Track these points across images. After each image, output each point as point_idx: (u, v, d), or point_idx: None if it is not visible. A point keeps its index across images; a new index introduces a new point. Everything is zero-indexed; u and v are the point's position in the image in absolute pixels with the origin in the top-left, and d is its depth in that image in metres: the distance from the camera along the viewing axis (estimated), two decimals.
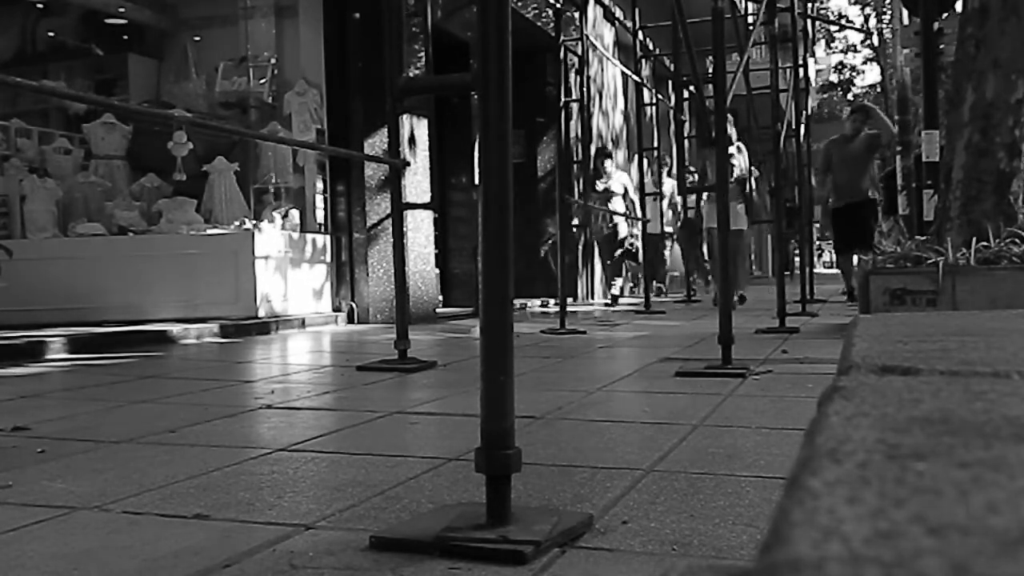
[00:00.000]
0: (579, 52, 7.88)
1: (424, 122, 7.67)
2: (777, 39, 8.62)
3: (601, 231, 10.46)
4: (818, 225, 12.41)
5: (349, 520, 1.72)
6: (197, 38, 8.37)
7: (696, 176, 10.94)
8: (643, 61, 10.48)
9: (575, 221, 9.98)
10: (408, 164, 5.48)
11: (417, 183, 7.44)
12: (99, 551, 1.55)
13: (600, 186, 10.07)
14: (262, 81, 7.74)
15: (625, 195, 10.41)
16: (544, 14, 9.65)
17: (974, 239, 4.91)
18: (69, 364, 4.64)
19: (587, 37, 7.96)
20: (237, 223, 7.06)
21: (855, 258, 9.01)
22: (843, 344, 1.15)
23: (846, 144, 9.49)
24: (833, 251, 10.37)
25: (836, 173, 9.48)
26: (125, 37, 8.68)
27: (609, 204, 10.11)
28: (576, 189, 9.21)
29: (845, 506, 0.40)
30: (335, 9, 7.50)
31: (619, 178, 10.45)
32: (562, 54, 7.49)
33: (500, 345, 1.66)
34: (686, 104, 14.45)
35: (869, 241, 8.29)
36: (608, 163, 10.34)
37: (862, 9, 30.58)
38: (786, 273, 7.17)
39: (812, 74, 17.27)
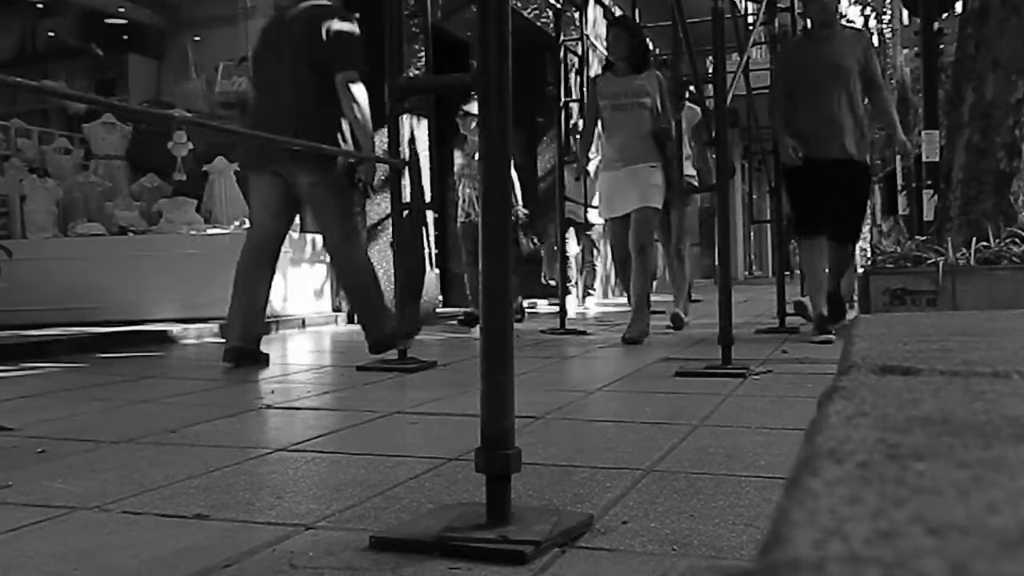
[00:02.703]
0: (579, 52, 7.88)
1: (424, 122, 7.66)
2: (777, 39, 8.61)
3: (468, 220, 7.36)
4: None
5: (349, 520, 1.72)
6: (197, 38, 8.37)
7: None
8: None
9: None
10: (408, 164, 5.48)
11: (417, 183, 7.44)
12: (99, 551, 1.55)
13: (459, 159, 7.42)
14: None
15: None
16: (544, 14, 9.65)
17: (974, 239, 4.91)
18: (69, 364, 4.64)
19: (587, 37, 7.96)
20: (237, 223, 7.06)
21: (828, 251, 5.38)
22: (843, 344, 1.15)
23: (814, 49, 5.35)
24: (794, 236, 6.31)
25: (799, 105, 5.29)
26: (125, 37, 8.69)
27: (477, 183, 7.23)
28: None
29: (845, 506, 0.40)
30: None
31: None
32: (562, 54, 7.49)
33: (500, 345, 1.66)
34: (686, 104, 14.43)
35: (855, 224, 5.50)
36: (475, 124, 6.87)
37: (862, 9, 30.59)
38: (786, 273, 7.16)
39: None
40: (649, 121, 5.53)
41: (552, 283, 9.59)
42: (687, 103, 6.24)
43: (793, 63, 5.50)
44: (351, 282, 4.64)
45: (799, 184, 5.41)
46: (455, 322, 7.50)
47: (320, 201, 4.43)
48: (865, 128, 5.40)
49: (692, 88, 5.98)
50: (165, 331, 5.77)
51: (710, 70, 4.88)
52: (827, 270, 5.43)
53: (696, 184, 6.67)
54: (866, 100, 5.45)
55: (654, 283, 7.77)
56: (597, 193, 6.26)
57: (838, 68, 5.23)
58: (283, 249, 7.03)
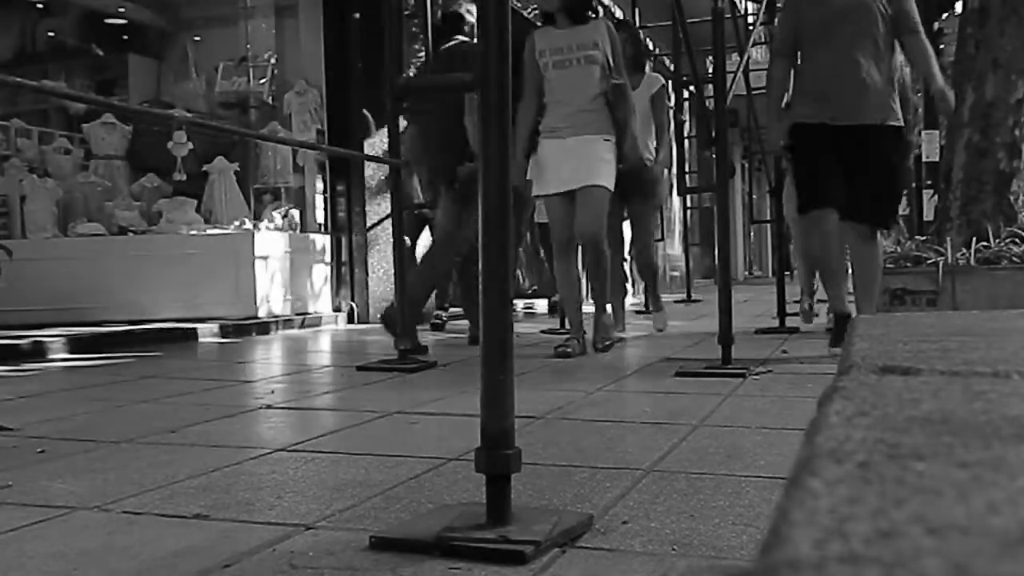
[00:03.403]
0: None
1: None
2: None
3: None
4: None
5: (349, 520, 1.72)
6: (197, 38, 8.37)
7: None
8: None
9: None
10: (408, 164, 5.48)
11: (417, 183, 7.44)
12: (99, 551, 1.55)
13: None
14: (262, 81, 7.74)
15: None
16: None
17: (974, 239, 4.92)
18: (69, 364, 4.64)
19: None
20: (237, 223, 7.06)
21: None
22: (843, 344, 1.15)
23: None
24: (788, 224, 5.62)
25: (812, 57, 4.29)
26: (125, 37, 8.69)
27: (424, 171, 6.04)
28: None
29: (845, 506, 0.40)
30: (335, 9, 7.49)
31: None
32: None
33: (500, 345, 1.65)
34: (686, 104, 14.44)
35: (884, 202, 4.26)
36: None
37: None
38: (786, 273, 7.15)
39: None
40: (599, 79, 4.57)
41: (531, 287, 9.54)
42: (649, 72, 5.71)
43: (806, 3, 4.33)
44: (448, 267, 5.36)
45: (811, 149, 4.25)
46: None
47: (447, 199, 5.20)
48: (896, 85, 4.39)
49: (692, 88, 5.90)
50: (165, 330, 5.77)
51: (710, 70, 4.86)
52: (851, 274, 4.58)
53: (652, 159, 5.49)
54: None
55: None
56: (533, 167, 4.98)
57: (863, 9, 4.19)
58: (285, 249, 7.12)
